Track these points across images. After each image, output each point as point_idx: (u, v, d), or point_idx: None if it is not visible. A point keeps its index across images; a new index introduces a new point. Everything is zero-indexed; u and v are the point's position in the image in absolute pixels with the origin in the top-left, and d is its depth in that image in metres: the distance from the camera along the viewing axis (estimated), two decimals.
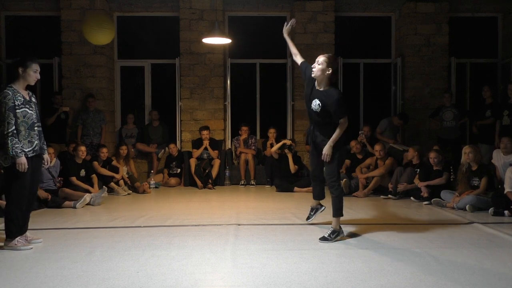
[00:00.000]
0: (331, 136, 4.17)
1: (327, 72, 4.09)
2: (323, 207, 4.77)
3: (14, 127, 3.87)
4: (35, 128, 4.07)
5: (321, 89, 4.16)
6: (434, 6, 9.00)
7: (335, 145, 4.18)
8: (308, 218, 4.84)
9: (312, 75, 4.15)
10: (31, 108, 4.04)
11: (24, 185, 3.99)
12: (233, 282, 3.12)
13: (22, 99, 3.98)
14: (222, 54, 9.13)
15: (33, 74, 4.04)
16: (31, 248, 3.95)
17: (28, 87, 4.17)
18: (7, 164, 3.91)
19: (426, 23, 9.02)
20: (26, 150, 3.96)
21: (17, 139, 3.88)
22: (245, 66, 9.69)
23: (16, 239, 3.96)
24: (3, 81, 9.13)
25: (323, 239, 4.16)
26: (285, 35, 4.64)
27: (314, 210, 4.83)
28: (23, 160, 3.89)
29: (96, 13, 8.26)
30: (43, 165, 4.29)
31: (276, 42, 9.62)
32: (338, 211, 4.31)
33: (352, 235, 4.42)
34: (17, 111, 3.91)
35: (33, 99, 4.15)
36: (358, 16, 9.55)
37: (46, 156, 4.29)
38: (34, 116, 4.06)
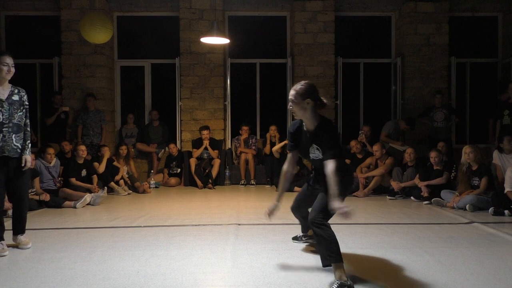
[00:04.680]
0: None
1: (308, 104, 3.16)
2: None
3: None
4: (3, 129, 3.79)
5: (312, 129, 3.23)
6: (434, 5, 9.00)
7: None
8: (295, 238, 4.06)
9: (295, 117, 3.34)
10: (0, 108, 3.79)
11: None
12: (233, 282, 3.12)
13: None
14: (222, 54, 9.13)
15: (3, 67, 3.78)
16: (5, 255, 3.76)
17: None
18: None
19: (426, 23, 9.02)
20: None
21: None
22: (245, 66, 9.69)
23: None
24: None
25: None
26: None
27: (307, 237, 3.97)
28: None
29: (94, 12, 8.25)
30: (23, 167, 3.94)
31: (276, 42, 9.66)
32: (331, 258, 3.02)
33: (352, 235, 4.41)
34: None
35: (15, 98, 3.88)
36: (358, 15, 9.55)
37: (24, 157, 3.91)
38: (3, 116, 3.79)
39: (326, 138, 3.13)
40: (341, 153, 3.18)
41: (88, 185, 6.83)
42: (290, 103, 3.23)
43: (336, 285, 2.89)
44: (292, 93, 3.20)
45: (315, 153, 3.26)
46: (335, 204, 2.90)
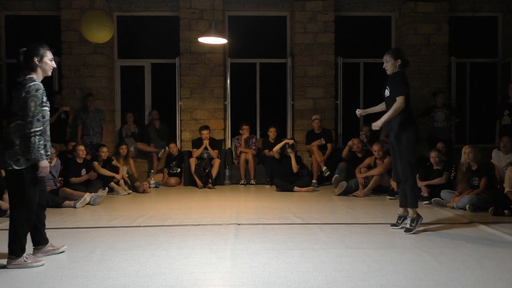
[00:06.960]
0: (400, 122, 4.42)
1: (398, 64, 4.47)
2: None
3: (42, 127, 3.35)
4: (47, 128, 3.54)
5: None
6: (434, 5, 8.99)
7: (400, 124, 4.43)
8: (393, 225, 4.72)
9: (388, 73, 4.56)
10: (49, 109, 3.54)
11: (36, 193, 3.46)
12: (233, 281, 3.12)
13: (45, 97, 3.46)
14: (222, 54, 9.13)
15: (50, 62, 3.55)
16: (42, 265, 3.46)
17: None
18: (19, 166, 3.33)
19: (426, 23, 9.01)
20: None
21: (43, 141, 3.36)
22: (245, 66, 9.69)
23: (24, 255, 3.43)
24: (3, 81, 9.14)
25: (408, 230, 4.40)
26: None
27: (402, 218, 4.70)
28: (45, 163, 3.36)
29: (96, 11, 8.26)
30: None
31: (276, 41, 9.65)
32: (412, 202, 4.49)
33: (352, 234, 4.41)
34: (43, 108, 3.39)
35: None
36: (358, 15, 9.55)
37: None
38: (48, 115, 3.54)
39: (392, 78, 4.52)
40: (403, 89, 4.43)
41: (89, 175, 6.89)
42: (385, 64, 4.56)
43: (409, 220, 4.48)
44: (387, 56, 4.53)
45: (386, 92, 4.58)
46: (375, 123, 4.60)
